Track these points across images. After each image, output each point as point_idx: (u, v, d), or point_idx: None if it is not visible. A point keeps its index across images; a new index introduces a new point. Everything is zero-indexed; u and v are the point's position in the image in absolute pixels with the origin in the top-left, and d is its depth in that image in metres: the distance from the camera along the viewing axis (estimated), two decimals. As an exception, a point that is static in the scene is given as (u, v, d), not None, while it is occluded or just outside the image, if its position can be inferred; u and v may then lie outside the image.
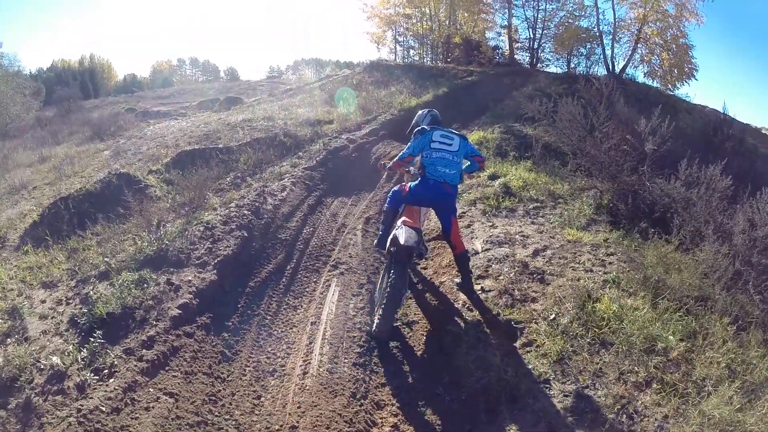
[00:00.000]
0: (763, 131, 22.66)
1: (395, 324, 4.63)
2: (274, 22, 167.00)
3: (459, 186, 5.01)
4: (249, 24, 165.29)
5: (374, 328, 4.40)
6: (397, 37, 28.38)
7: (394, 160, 5.15)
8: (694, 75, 21.08)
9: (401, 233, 4.29)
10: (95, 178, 8.48)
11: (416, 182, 4.86)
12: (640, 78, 21.98)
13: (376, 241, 5.22)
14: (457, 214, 4.89)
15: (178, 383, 3.76)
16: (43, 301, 4.83)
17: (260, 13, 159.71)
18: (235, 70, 74.44)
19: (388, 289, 4.22)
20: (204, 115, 17.43)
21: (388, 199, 5.12)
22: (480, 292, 4.79)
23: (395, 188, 5.16)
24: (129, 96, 37.28)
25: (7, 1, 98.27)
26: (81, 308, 4.47)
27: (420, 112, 5.46)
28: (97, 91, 50.36)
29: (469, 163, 5.04)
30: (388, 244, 4.53)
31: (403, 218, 4.67)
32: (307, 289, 5.41)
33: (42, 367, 3.69)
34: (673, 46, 20.81)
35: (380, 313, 4.33)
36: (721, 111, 15.57)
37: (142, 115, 20.15)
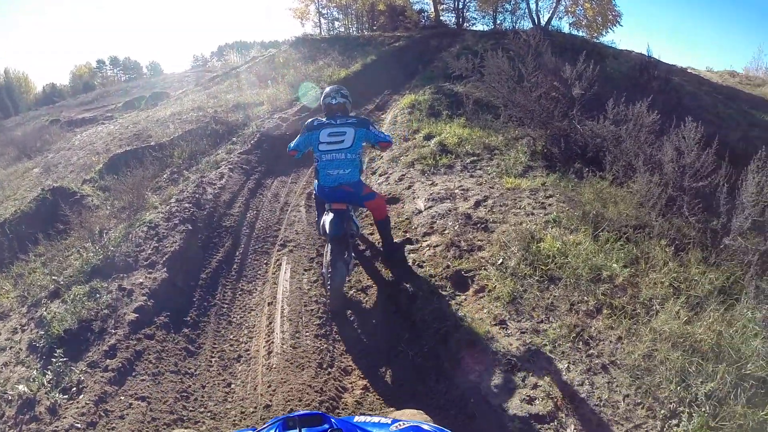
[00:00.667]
0: (689, 71, 23.72)
1: (348, 294, 4.74)
2: (193, 9, 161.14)
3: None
4: (168, 14, 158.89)
5: (328, 304, 4.53)
6: (320, 10, 27.81)
7: (288, 149, 4.99)
8: (619, 22, 21.68)
9: (327, 222, 4.40)
10: (29, 198, 8.09)
11: (316, 185, 4.80)
12: (566, 29, 22.49)
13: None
14: (374, 194, 4.78)
15: (148, 386, 3.69)
16: (-1, 334, 4.62)
17: (178, 1, 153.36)
18: (158, 64, 71.53)
19: (330, 269, 4.30)
20: (132, 115, 16.73)
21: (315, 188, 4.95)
22: (427, 248, 4.90)
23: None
24: (51, 107, 35.13)
25: None
26: (37, 332, 4.30)
27: (324, 91, 5.00)
28: (16, 106, 47.27)
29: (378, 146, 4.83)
30: (320, 229, 4.68)
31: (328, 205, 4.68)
32: (259, 272, 5.38)
33: (10, 398, 3.55)
34: (596, -6, 21.30)
35: (329, 290, 4.43)
36: (646, 54, 16.21)
37: (68, 124, 19.10)
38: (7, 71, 55.40)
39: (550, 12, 22.16)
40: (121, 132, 12.55)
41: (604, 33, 21.93)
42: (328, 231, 4.31)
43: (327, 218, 4.44)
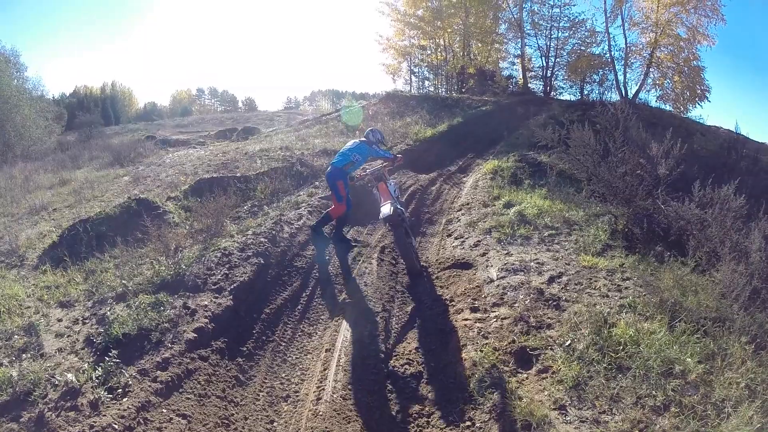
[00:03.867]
0: (778, 149, 22.41)
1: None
2: (291, 54, 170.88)
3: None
4: (267, 55, 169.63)
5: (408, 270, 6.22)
6: (412, 68, 28.79)
7: None
8: (707, 96, 21.04)
9: (383, 210, 5.95)
10: (114, 203, 8.61)
11: None
12: (653, 102, 21.99)
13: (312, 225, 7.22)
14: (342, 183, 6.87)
15: (192, 405, 3.80)
16: (60, 320, 4.90)
17: (279, 44, 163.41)
18: (253, 100, 76.09)
19: (398, 247, 6.14)
20: (222, 144, 17.64)
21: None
22: (494, 320, 4.80)
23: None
24: (149, 123, 38.04)
25: (33, 26, 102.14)
26: (97, 328, 4.54)
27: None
28: (117, 117, 51.49)
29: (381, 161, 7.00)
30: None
31: (382, 200, 6.26)
32: (323, 317, 5.43)
33: (56, 383, 3.74)
34: (685, 68, 20.83)
35: (407, 264, 6.17)
36: (734, 131, 15.50)
37: (162, 142, 20.44)
38: (114, 83, 60.60)
39: (638, 84, 21.90)
40: (210, 158, 13.19)
41: (691, 107, 21.25)
42: (381, 216, 5.90)
43: (384, 207, 5.97)
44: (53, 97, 46.05)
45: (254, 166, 11.24)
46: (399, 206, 6.20)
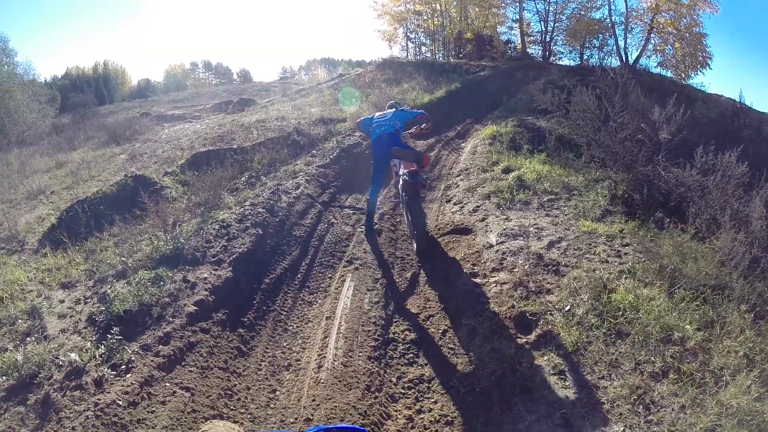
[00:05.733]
0: (782, 120, 22.28)
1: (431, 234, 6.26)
2: (285, 23, 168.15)
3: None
4: (261, 25, 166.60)
5: (416, 248, 5.98)
6: (408, 34, 28.49)
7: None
8: (709, 64, 20.89)
9: (407, 176, 5.91)
10: (111, 181, 8.62)
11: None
12: (654, 68, 21.78)
13: (364, 225, 6.67)
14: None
15: (194, 378, 3.82)
16: (62, 301, 4.93)
17: (272, 14, 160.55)
18: (248, 71, 74.83)
19: (412, 216, 5.92)
20: (218, 117, 17.58)
21: (369, 190, 6.61)
22: (494, 285, 4.80)
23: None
24: (143, 100, 37.61)
25: (20, 9, 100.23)
26: (99, 307, 4.57)
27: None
28: (111, 96, 50.83)
29: (417, 122, 6.87)
30: (400, 187, 6.25)
31: (403, 169, 6.15)
32: (322, 285, 5.44)
33: (61, 363, 3.78)
34: (687, 35, 20.59)
35: (416, 233, 5.88)
36: (737, 100, 15.39)
37: (157, 119, 20.32)
38: (106, 63, 59.64)
39: (639, 50, 21.73)
40: (207, 132, 13.15)
41: (692, 74, 21.08)
42: (409, 179, 5.86)
43: (404, 176, 5.97)
44: (45, 81, 45.47)
45: (251, 138, 11.21)
46: (423, 175, 6.23)
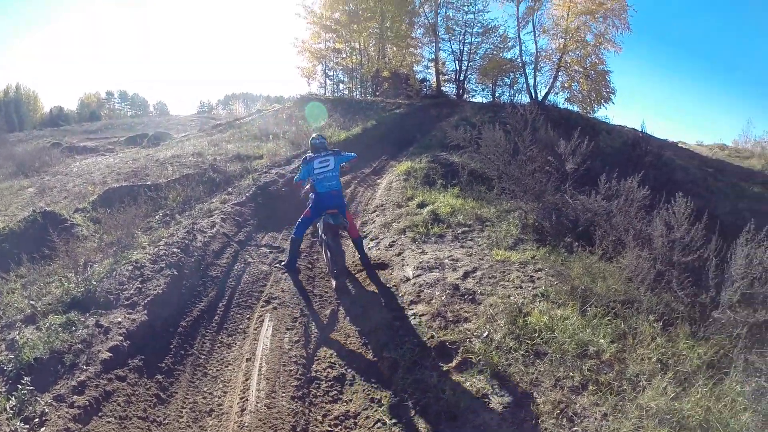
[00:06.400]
0: (680, 145, 24.48)
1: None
2: (205, 56, 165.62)
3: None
4: (180, 57, 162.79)
5: (334, 283, 6.06)
6: (327, 71, 28.87)
7: (293, 181, 6.96)
8: (612, 99, 22.60)
9: (330, 218, 6.09)
10: (19, 217, 8.05)
11: (312, 200, 6.40)
12: (562, 103, 23.29)
13: (285, 264, 6.63)
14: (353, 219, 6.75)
15: (113, 429, 3.59)
16: (-33, 350, 4.47)
17: (192, 46, 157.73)
18: (165, 104, 73.15)
19: (331, 254, 5.98)
20: (132, 151, 16.96)
21: (295, 230, 6.50)
22: (412, 317, 4.88)
23: (300, 219, 6.52)
24: (55, 130, 35.42)
25: None
26: (7, 354, 4.17)
27: (310, 139, 6.82)
28: (22, 123, 47.81)
29: (346, 164, 6.75)
30: (321, 229, 6.34)
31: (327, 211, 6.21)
32: (241, 326, 5.30)
33: None
34: (592, 72, 22.22)
35: (336, 268, 5.96)
36: (640, 129, 16.74)
37: (69, 150, 19.25)
38: (18, 87, 56.06)
39: (547, 87, 23.14)
40: (120, 166, 12.62)
41: (597, 108, 22.76)
42: (332, 222, 6.07)
43: (326, 218, 6.13)
44: (-52, 102, 42.07)
45: (165, 174, 10.87)
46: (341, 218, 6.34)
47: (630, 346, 3.99)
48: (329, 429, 3.83)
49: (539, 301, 4.76)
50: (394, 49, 26.51)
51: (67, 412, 3.53)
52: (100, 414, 3.67)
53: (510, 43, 24.78)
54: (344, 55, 28.08)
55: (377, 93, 26.85)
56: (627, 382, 3.60)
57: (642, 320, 4.31)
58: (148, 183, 9.87)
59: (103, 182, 10.94)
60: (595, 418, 3.33)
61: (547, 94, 23.09)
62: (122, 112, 70.63)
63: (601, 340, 4.03)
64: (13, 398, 3.59)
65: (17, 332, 4.53)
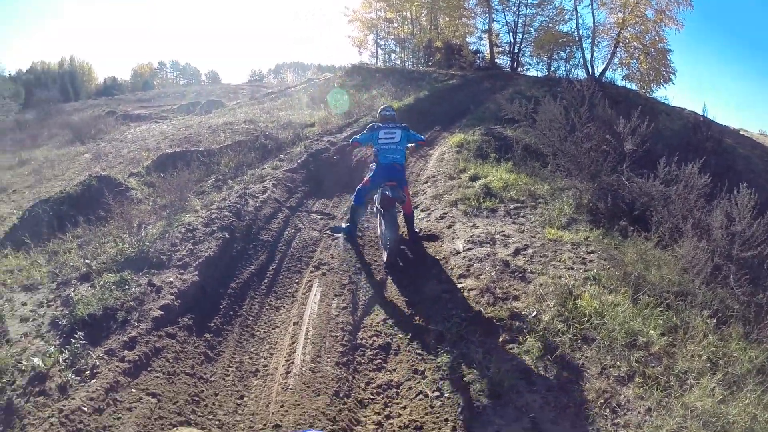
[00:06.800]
0: (741, 132, 23.19)
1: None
2: (255, 26, 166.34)
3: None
4: (231, 27, 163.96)
5: (385, 255, 5.88)
6: (378, 40, 28.53)
7: (350, 140, 6.97)
8: (672, 79, 21.55)
9: (388, 190, 5.82)
10: (75, 181, 8.40)
11: (374, 170, 6.28)
12: (619, 81, 22.38)
13: (343, 229, 6.52)
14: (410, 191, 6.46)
15: (161, 384, 3.72)
16: (24, 304, 4.72)
17: (242, 16, 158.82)
18: (217, 73, 74.04)
19: (386, 229, 5.78)
20: (185, 119, 17.32)
21: (354, 197, 6.33)
22: (461, 291, 4.84)
23: (359, 186, 6.36)
24: (109, 99, 36.68)
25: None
26: (62, 310, 4.40)
27: (380, 109, 6.72)
28: (77, 93, 49.49)
29: (414, 144, 6.64)
30: (378, 202, 6.22)
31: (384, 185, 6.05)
32: (289, 290, 5.38)
33: (23, 368, 3.61)
34: (652, 50, 21.21)
35: (387, 246, 5.81)
36: (701, 113, 15.94)
37: (123, 118, 19.91)
38: (72, 59, 57.98)
39: (605, 63, 22.22)
40: (173, 133, 12.94)
41: (656, 88, 21.76)
42: (390, 195, 5.76)
43: (384, 189, 5.92)
44: (9, 75, 44.13)
45: (218, 140, 11.08)
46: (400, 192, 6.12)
47: (680, 341, 3.84)
48: (371, 397, 3.88)
49: (590, 285, 4.64)
50: (447, 19, 25.99)
51: (117, 366, 3.68)
52: (149, 369, 3.81)
53: (566, 16, 24.02)
54: (396, 25, 27.72)
55: (429, 63, 26.41)
56: (675, 378, 3.48)
57: (695, 315, 4.14)
58: (201, 149, 10.11)
59: (156, 148, 11.26)
60: (639, 412, 3.24)
61: (604, 70, 22.26)
62: (174, 81, 72.10)
63: (652, 332, 3.90)
64: (66, 351, 3.76)
65: (73, 289, 4.76)
